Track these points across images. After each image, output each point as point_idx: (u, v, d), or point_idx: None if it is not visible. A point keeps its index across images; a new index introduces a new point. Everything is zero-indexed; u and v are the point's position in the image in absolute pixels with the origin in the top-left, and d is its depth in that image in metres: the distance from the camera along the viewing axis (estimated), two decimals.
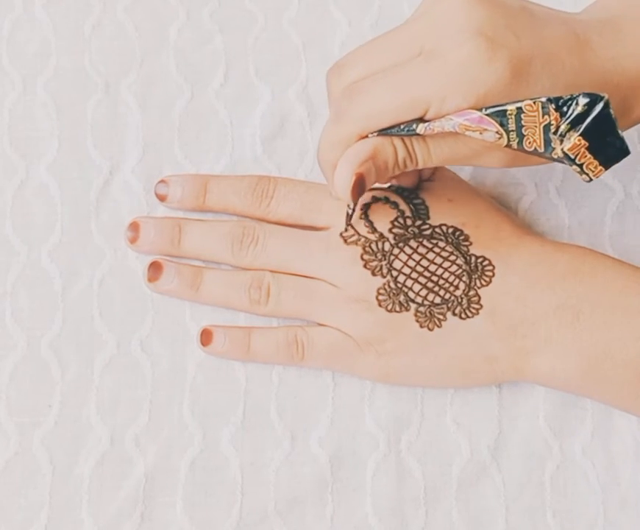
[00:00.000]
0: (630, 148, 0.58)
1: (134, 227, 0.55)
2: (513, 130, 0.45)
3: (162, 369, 0.53)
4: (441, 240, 0.52)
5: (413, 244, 0.52)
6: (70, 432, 0.52)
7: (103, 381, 0.53)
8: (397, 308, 0.51)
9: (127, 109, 0.58)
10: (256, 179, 0.55)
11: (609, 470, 0.53)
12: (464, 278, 0.52)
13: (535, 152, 0.46)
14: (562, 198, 0.58)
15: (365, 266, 0.52)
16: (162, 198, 0.56)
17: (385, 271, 0.52)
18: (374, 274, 0.52)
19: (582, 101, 0.44)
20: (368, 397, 0.53)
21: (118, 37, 0.60)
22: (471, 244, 0.52)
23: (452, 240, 0.52)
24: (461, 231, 0.53)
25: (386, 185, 0.54)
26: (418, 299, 0.51)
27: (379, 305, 0.51)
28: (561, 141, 0.45)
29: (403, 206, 0.53)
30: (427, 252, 0.52)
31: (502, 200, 0.57)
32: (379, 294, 0.51)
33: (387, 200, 0.53)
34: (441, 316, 0.51)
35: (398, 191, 0.54)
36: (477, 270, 0.52)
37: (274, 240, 0.53)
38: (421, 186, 0.54)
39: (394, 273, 0.52)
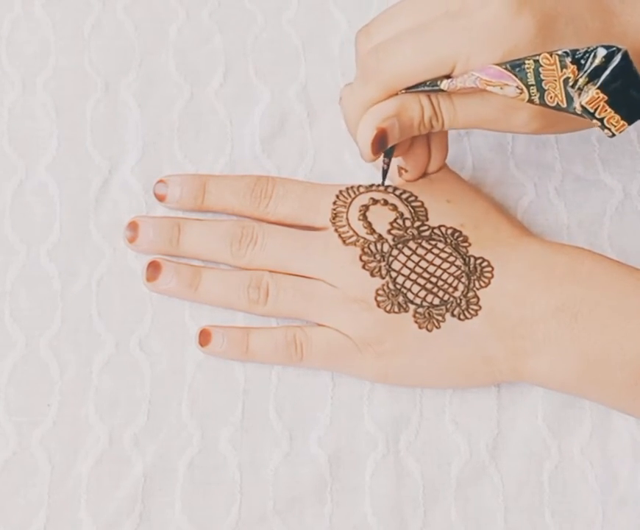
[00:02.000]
0: (629, 149, 0.59)
1: (133, 226, 0.55)
2: (532, 85, 0.45)
3: (161, 369, 0.53)
4: (440, 241, 0.52)
5: (412, 245, 0.52)
6: (68, 431, 0.52)
7: (102, 381, 0.53)
8: (396, 309, 0.51)
9: (127, 108, 0.58)
10: (255, 179, 0.55)
11: (607, 469, 0.52)
12: (463, 279, 0.52)
13: (558, 108, 0.45)
14: (561, 198, 0.58)
15: (364, 267, 0.52)
16: (161, 198, 0.56)
17: (384, 272, 0.52)
18: (372, 275, 0.52)
19: (601, 52, 0.44)
20: (367, 396, 0.53)
21: (117, 37, 0.60)
22: (470, 245, 0.52)
23: (451, 241, 0.52)
24: (460, 232, 0.53)
25: (384, 187, 0.55)
26: (417, 300, 0.51)
27: (378, 306, 0.51)
28: (579, 95, 0.45)
29: (402, 207, 0.53)
30: (425, 253, 0.52)
31: (502, 200, 0.57)
32: (377, 294, 0.51)
33: (386, 202, 0.53)
34: (440, 317, 0.51)
35: (397, 192, 0.54)
36: (476, 271, 0.52)
37: (272, 240, 0.53)
38: (419, 187, 0.54)
39: (393, 274, 0.52)
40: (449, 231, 0.53)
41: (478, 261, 0.52)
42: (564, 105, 0.45)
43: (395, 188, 0.54)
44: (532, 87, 0.45)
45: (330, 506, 0.52)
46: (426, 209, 0.53)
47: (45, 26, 0.60)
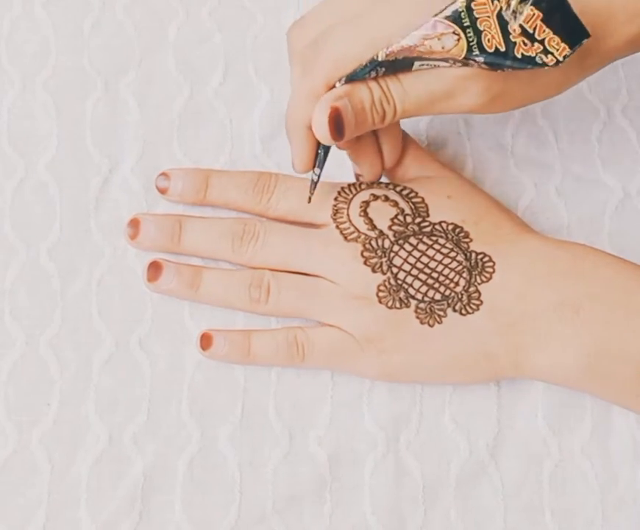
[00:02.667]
0: (628, 148, 0.59)
1: (134, 223, 0.55)
2: (468, 26, 0.45)
3: (161, 368, 0.53)
4: (441, 237, 0.52)
5: (413, 240, 0.52)
6: (68, 431, 0.52)
7: (101, 380, 0.53)
8: (397, 305, 0.51)
9: (126, 107, 0.58)
10: (257, 174, 0.55)
11: (607, 469, 0.52)
12: (464, 274, 0.52)
13: (497, 58, 0.45)
14: (561, 197, 0.58)
15: (365, 263, 0.52)
16: (163, 191, 0.56)
17: (385, 268, 0.52)
18: (374, 271, 0.52)
19: None
20: (366, 395, 0.53)
21: (117, 36, 0.60)
22: (471, 240, 0.52)
23: (452, 237, 0.52)
24: (461, 228, 0.53)
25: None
26: (419, 296, 0.51)
27: (380, 302, 0.51)
28: (515, 18, 0.45)
29: (402, 204, 0.53)
30: (427, 249, 0.52)
31: (502, 199, 0.57)
32: (379, 290, 0.51)
33: (386, 198, 0.53)
34: (442, 313, 0.51)
35: (397, 189, 0.54)
36: (477, 266, 0.52)
37: (274, 237, 0.53)
38: (420, 183, 0.54)
39: (394, 270, 0.52)
40: (450, 227, 0.53)
41: (479, 256, 0.52)
42: (503, 49, 0.45)
43: (395, 185, 0.54)
44: (468, 30, 0.45)
45: (330, 506, 0.52)
46: (426, 205, 0.53)
47: (45, 26, 0.60)
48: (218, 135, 0.58)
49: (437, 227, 0.53)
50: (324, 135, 0.49)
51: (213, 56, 0.60)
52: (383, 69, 0.47)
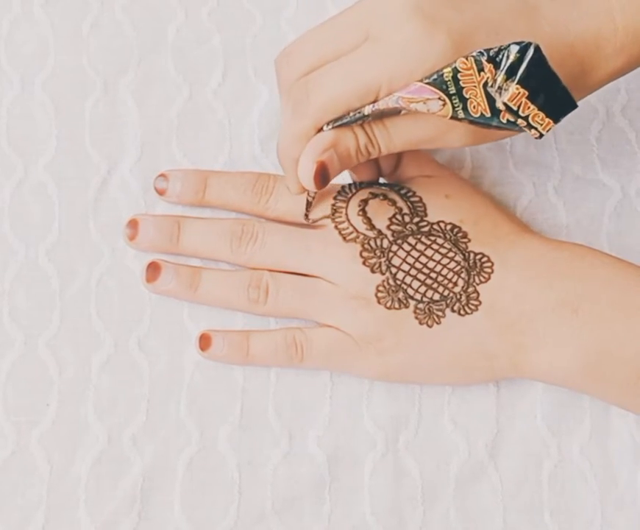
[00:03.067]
0: (628, 149, 0.59)
1: (133, 224, 0.55)
2: (454, 94, 0.45)
3: (160, 368, 0.53)
4: (440, 237, 0.52)
5: (412, 240, 0.52)
6: (67, 431, 0.52)
7: (100, 380, 0.53)
8: (396, 305, 0.51)
9: (125, 108, 0.58)
10: (256, 175, 0.55)
11: (606, 469, 0.53)
12: (463, 275, 0.52)
13: (483, 119, 0.46)
14: (560, 197, 0.58)
15: (364, 263, 0.52)
16: (161, 192, 0.56)
17: (384, 268, 0.52)
18: (372, 271, 0.52)
19: (514, 49, 0.44)
20: (366, 396, 0.53)
21: (116, 36, 0.60)
22: (469, 240, 0.52)
23: (451, 237, 0.52)
24: (459, 228, 0.53)
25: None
26: (417, 296, 0.51)
27: (379, 302, 0.51)
28: (500, 94, 0.45)
29: (401, 203, 0.53)
30: (425, 249, 0.52)
31: (501, 199, 0.57)
32: (378, 291, 0.51)
33: (384, 197, 0.53)
34: (440, 313, 0.51)
35: (395, 188, 0.54)
36: (476, 267, 0.52)
37: (272, 237, 0.53)
38: (418, 183, 0.54)
39: (393, 270, 0.52)
40: (448, 227, 0.53)
41: (478, 257, 0.52)
42: (488, 115, 0.45)
43: (394, 184, 0.54)
44: (454, 97, 0.45)
45: (329, 506, 0.52)
46: (424, 204, 0.53)
47: (44, 26, 0.60)
48: (217, 135, 0.58)
49: (435, 226, 0.53)
50: (309, 186, 0.49)
51: (212, 56, 0.60)
52: (369, 118, 0.48)
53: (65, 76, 0.59)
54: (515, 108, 0.45)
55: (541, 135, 0.46)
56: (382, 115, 0.48)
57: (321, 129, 0.48)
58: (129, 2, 0.60)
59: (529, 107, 0.45)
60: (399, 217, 0.53)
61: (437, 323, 0.51)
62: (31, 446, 0.51)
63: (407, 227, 0.52)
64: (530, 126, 0.46)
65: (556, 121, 0.46)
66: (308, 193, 0.52)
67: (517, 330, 0.50)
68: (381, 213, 0.53)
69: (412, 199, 0.53)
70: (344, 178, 0.55)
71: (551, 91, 0.45)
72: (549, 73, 0.45)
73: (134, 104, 0.58)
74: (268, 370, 0.53)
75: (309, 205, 0.53)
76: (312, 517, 0.51)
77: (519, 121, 0.46)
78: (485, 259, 0.52)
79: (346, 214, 0.53)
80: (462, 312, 0.51)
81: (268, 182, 0.55)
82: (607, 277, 0.51)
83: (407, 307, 0.51)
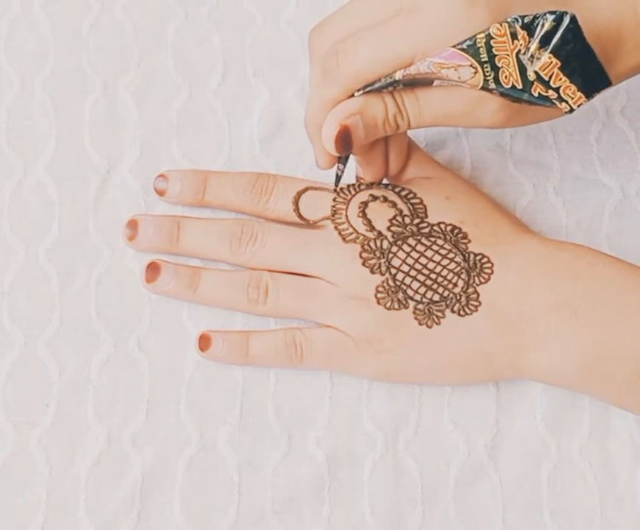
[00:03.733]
0: (628, 149, 0.59)
1: (132, 224, 0.55)
2: (486, 61, 0.45)
3: (160, 369, 0.53)
4: (440, 238, 0.52)
5: (412, 241, 0.52)
6: (67, 431, 0.52)
7: (100, 381, 0.53)
8: (396, 306, 0.51)
9: (125, 108, 0.58)
10: (255, 175, 0.55)
11: (606, 469, 0.53)
12: (463, 275, 0.52)
13: (514, 92, 0.45)
14: (560, 198, 0.58)
15: (363, 264, 0.52)
16: (161, 192, 0.56)
17: (383, 268, 0.52)
18: (372, 272, 0.52)
19: (549, 17, 0.44)
20: (365, 396, 0.53)
21: (115, 37, 0.60)
22: (469, 241, 0.52)
23: (451, 238, 0.52)
24: (459, 229, 0.53)
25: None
26: (417, 297, 0.51)
27: (378, 303, 0.51)
28: (532, 63, 0.45)
29: (401, 205, 0.53)
30: (425, 250, 0.52)
31: (501, 200, 0.57)
32: (377, 291, 0.51)
33: (385, 199, 0.53)
34: (440, 314, 0.51)
35: (396, 190, 0.54)
36: (476, 267, 0.52)
37: (272, 237, 0.53)
38: (418, 184, 0.54)
39: (393, 271, 0.52)
40: (449, 228, 0.53)
41: (478, 257, 0.52)
42: (520, 86, 0.45)
43: (394, 186, 0.54)
44: (485, 65, 0.45)
45: (328, 506, 0.52)
46: (425, 206, 0.53)
47: (44, 26, 0.60)
48: (216, 135, 0.58)
49: (435, 228, 0.53)
50: (330, 149, 0.49)
51: (212, 56, 0.60)
52: (401, 85, 0.47)
53: (65, 76, 0.59)
54: (546, 78, 0.45)
55: (572, 110, 0.46)
56: (413, 84, 0.47)
57: (350, 97, 0.48)
58: (128, 2, 0.60)
59: (560, 79, 0.45)
60: (399, 218, 0.53)
61: (436, 324, 0.51)
62: (30, 446, 0.51)
63: (407, 228, 0.52)
64: (560, 99, 0.45)
65: (588, 96, 0.45)
66: (338, 167, 0.52)
67: (517, 330, 0.50)
68: (381, 215, 0.53)
69: (412, 200, 0.53)
70: (346, 177, 0.56)
71: (585, 64, 0.45)
72: (584, 45, 0.44)
73: (133, 104, 0.58)
74: (268, 371, 0.53)
75: (338, 179, 0.53)
76: (311, 518, 0.51)
77: (550, 92, 0.45)
78: (485, 260, 0.52)
79: (346, 215, 0.53)
80: (462, 313, 0.51)
81: (267, 183, 0.55)
82: (606, 278, 0.51)
83: (406, 308, 0.51)
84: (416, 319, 0.51)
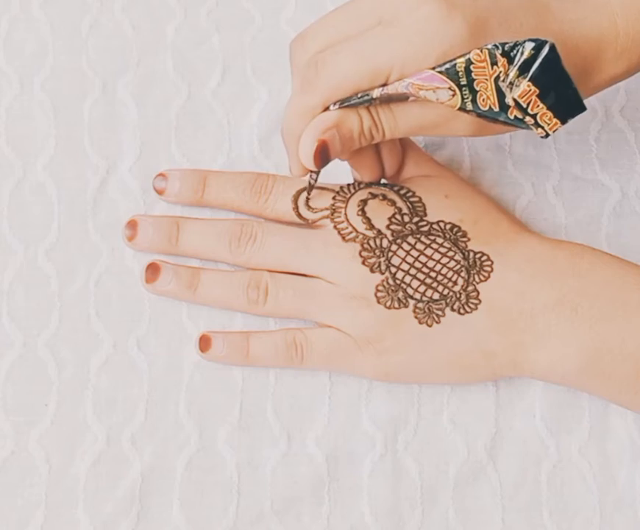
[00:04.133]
0: (627, 149, 0.59)
1: (132, 224, 0.55)
2: (465, 85, 0.45)
3: (159, 369, 0.53)
4: (439, 236, 0.52)
5: (411, 240, 0.52)
6: (66, 431, 0.52)
7: (99, 380, 0.53)
8: (396, 305, 0.51)
9: (124, 108, 0.58)
10: (255, 175, 0.55)
11: (605, 469, 0.52)
12: (462, 274, 0.52)
13: (491, 113, 0.46)
14: (559, 198, 0.58)
15: (363, 263, 0.52)
16: (160, 192, 0.56)
17: (383, 267, 0.52)
18: (372, 270, 0.52)
19: (529, 46, 0.45)
20: (364, 396, 0.53)
21: (115, 37, 0.60)
22: (469, 239, 0.52)
23: (450, 236, 0.52)
24: (459, 227, 0.53)
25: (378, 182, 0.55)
26: (417, 296, 0.51)
27: (378, 302, 0.51)
28: (511, 89, 0.45)
29: (400, 203, 0.53)
30: (425, 248, 0.52)
31: (499, 200, 0.57)
32: (377, 290, 0.51)
33: (384, 197, 0.53)
34: (440, 312, 0.51)
35: (394, 188, 0.54)
36: (476, 265, 0.52)
37: (272, 238, 0.53)
38: (417, 183, 0.54)
39: (393, 269, 0.52)
40: (448, 226, 0.53)
41: (477, 255, 0.52)
42: (497, 109, 0.46)
43: (393, 184, 0.54)
44: (464, 89, 0.45)
45: (328, 506, 0.52)
46: (424, 204, 0.53)
47: (43, 26, 0.60)
48: (216, 135, 0.58)
49: (434, 226, 0.53)
50: (308, 164, 0.49)
51: (211, 57, 0.60)
52: (377, 101, 0.48)
53: (64, 76, 0.59)
54: (524, 105, 0.45)
55: (547, 135, 0.46)
56: (389, 100, 0.48)
57: (327, 109, 0.48)
58: (128, 2, 0.60)
59: (538, 106, 0.45)
60: (398, 217, 0.53)
61: (437, 322, 0.51)
62: (30, 446, 0.51)
63: (407, 226, 0.52)
64: (537, 125, 0.46)
65: (563, 122, 0.46)
66: (310, 176, 0.52)
67: (517, 328, 0.50)
68: (380, 213, 0.53)
69: (411, 199, 0.53)
70: (345, 177, 0.56)
71: (562, 92, 0.45)
72: (562, 73, 0.45)
73: (133, 104, 0.58)
74: (267, 371, 0.53)
75: (311, 188, 0.53)
76: (311, 517, 0.51)
77: (527, 118, 0.46)
78: (484, 258, 0.52)
79: (345, 214, 0.53)
80: (462, 311, 0.51)
81: (267, 182, 0.55)
82: (606, 276, 0.51)
83: (406, 306, 0.51)
84: (416, 317, 0.51)
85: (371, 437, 0.53)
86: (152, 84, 0.59)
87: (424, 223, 0.53)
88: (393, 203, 0.53)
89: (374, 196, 0.54)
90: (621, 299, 0.50)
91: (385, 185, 0.54)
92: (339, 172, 0.55)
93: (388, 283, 0.51)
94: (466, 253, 0.52)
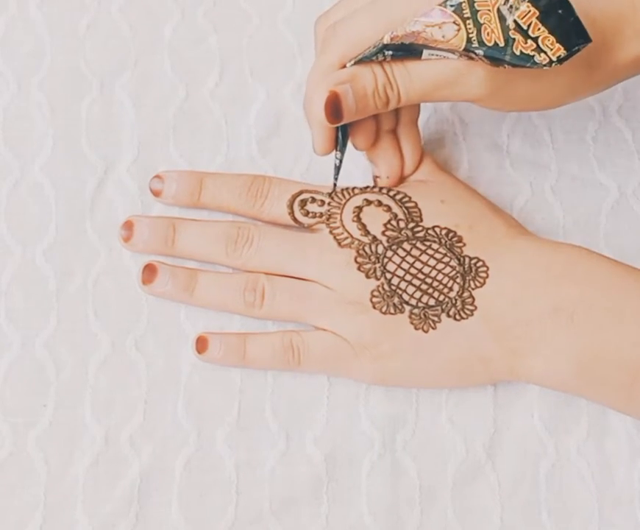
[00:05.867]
0: (625, 148, 0.59)
1: (128, 225, 0.55)
2: (469, 17, 0.46)
3: (157, 369, 0.53)
4: (435, 242, 0.52)
5: (407, 246, 0.52)
6: (64, 432, 0.52)
7: (98, 381, 0.53)
8: (392, 311, 0.51)
9: (122, 108, 0.58)
10: (251, 178, 0.55)
11: (604, 468, 0.53)
12: (458, 280, 0.52)
13: (497, 51, 0.46)
14: (557, 197, 0.58)
15: (359, 269, 0.52)
16: (156, 193, 0.55)
17: (378, 273, 0.52)
18: (367, 276, 0.52)
19: None
20: (363, 396, 0.53)
21: (112, 37, 0.60)
22: (464, 245, 0.52)
23: (446, 242, 0.52)
24: (454, 232, 0.53)
25: (377, 188, 0.55)
26: (413, 301, 0.51)
27: (374, 308, 0.51)
28: (511, 12, 0.46)
29: (396, 209, 0.53)
30: (420, 254, 0.52)
31: (497, 199, 0.57)
32: (373, 296, 0.51)
33: (379, 203, 0.53)
34: (436, 318, 0.51)
35: (390, 193, 0.54)
36: (471, 271, 0.52)
37: (268, 241, 0.53)
38: (413, 188, 0.54)
39: (388, 275, 0.52)
40: (444, 232, 0.53)
41: (473, 261, 0.52)
42: (502, 44, 0.46)
43: (389, 190, 0.54)
44: (468, 22, 0.46)
45: (326, 506, 0.52)
46: (420, 210, 0.53)
47: (41, 26, 0.59)
48: (213, 136, 0.58)
49: (430, 232, 0.53)
50: (320, 118, 0.49)
51: (209, 57, 0.60)
52: (390, 53, 0.48)
53: (62, 77, 0.59)
54: (525, 27, 0.45)
55: (551, 63, 0.45)
56: (404, 54, 0.48)
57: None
58: (125, 3, 0.60)
59: (539, 28, 0.45)
60: (393, 223, 0.53)
61: (432, 328, 0.51)
62: (28, 447, 0.51)
63: (402, 232, 0.52)
64: (539, 50, 0.45)
65: (567, 49, 0.45)
66: (336, 155, 0.52)
67: (513, 335, 0.50)
68: (376, 219, 0.53)
69: (407, 204, 0.53)
70: (343, 178, 0.56)
71: (563, 17, 0.45)
72: (563, 0, 0.45)
73: (130, 104, 0.58)
74: (266, 371, 0.53)
75: (337, 170, 0.53)
76: (309, 518, 0.51)
77: (529, 42, 0.45)
78: (480, 264, 0.52)
79: (341, 220, 0.53)
80: (457, 317, 0.51)
81: (263, 185, 0.55)
82: (603, 282, 0.50)
83: (402, 312, 0.51)
84: (411, 323, 0.51)
85: (369, 437, 0.53)
86: (150, 84, 0.59)
87: (420, 228, 0.53)
88: (389, 209, 0.53)
89: (369, 202, 0.53)
90: (617, 306, 0.49)
91: (380, 189, 0.54)
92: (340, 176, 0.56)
93: (383, 288, 0.51)
94: (462, 259, 0.52)
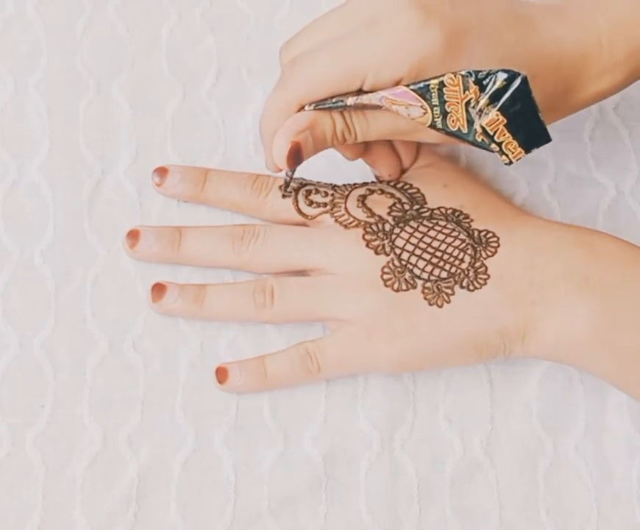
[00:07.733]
0: (622, 147, 0.59)
1: (133, 234, 0.54)
2: (436, 105, 0.47)
3: (155, 369, 0.53)
4: (441, 219, 0.52)
5: (414, 223, 0.52)
6: (62, 432, 0.52)
7: (95, 381, 0.53)
8: (403, 286, 0.51)
9: (119, 109, 0.58)
10: (256, 174, 0.56)
11: (602, 467, 0.53)
12: (469, 251, 0.51)
13: (459, 134, 0.47)
14: (554, 195, 0.58)
15: (367, 246, 0.52)
16: (159, 184, 0.55)
17: (387, 249, 0.51)
18: (377, 252, 0.51)
19: (501, 76, 0.46)
20: (361, 395, 0.53)
21: (109, 37, 0.60)
22: (472, 220, 0.52)
23: (453, 218, 0.52)
24: (460, 211, 0.52)
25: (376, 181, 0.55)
26: (424, 275, 0.51)
27: (385, 285, 0.51)
28: (480, 116, 0.46)
29: (399, 195, 0.53)
30: (428, 230, 0.52)
31: None
32: (383, 272, 0.51)
33: (382, 191, 0.54)
34: (449, 291, 0.51)
35: (391, 183, 0.54)
36: (482, 242, 0.51)
37: (274, 234, 0.53)
38: (414, 175, 0.54)
39: (397, 251, 0.51)
40: (449, 211, 0.53)
41: (482, 233, 0.52)
42: (465, 131, 0.47)
43: (389, 181, 0.54)
44: (435, 108, 0.47)
45: (325, 505, 0.51)
46: (423, 195, 0.54)
47: (37, 27, 0.60)
48: (211, 136, 0.58)
49: (436, 211, 0.53)
50: (282, 164, 0.50)
51: (206, 57, 0.60)
52: (351, 108, 0.49)
53: (59, 77, 0.59)
54: (491, 133, 0.47)
55: (511, 162, 0.48)
56: (363, 108, 0.49)
57: (302, 109, 0.49)
58: (122, 3, 0.61)
59: (504, 135, 0.47)
60: (398, 206, 0.53)
61: (447, 302, 0.50)
62: (26, 447, 0.51)
63: (408, 213, 0.52)
64: (501, 152, 0.47)
65: (527, 151, 0.47)
66: (287, 173, 0.53)
67: (528, 300, 0.50)
68: (380, 204, 0.53)
69: (410, 190, 0.54)
70: (341, 178, 0.56)
71: (529, 123, 0.47)
72: (531, 105, 0.46)
73: (127, 105, 0.58)
74: None
75: (287, 185, 0.54)
76: (308, 517, 0.51)
77: (492, 145, 0.47)
78: (490, 234, 0.51)
79: (346, 208, 0.53)
80: (471, 287, 0.50)
81: (267, 181, 0.55)
82: (616, 251, 0.50)
83: (414, 287, 0.51)
84: (425, 299, 0.51)
85: (367, 436, 0.53)
86: (147, 85, 0.59)
87: (425, 209, 0.53)
88: (392, 195, 0.53)
89: (372, 191, 0.54)
90: (632, 272, 0.49)
91: (381, 182, 0.55)
92: (337, 174, 0.56)
93: (393, 264, 0.51)
94: (471, 232, 0.52)
